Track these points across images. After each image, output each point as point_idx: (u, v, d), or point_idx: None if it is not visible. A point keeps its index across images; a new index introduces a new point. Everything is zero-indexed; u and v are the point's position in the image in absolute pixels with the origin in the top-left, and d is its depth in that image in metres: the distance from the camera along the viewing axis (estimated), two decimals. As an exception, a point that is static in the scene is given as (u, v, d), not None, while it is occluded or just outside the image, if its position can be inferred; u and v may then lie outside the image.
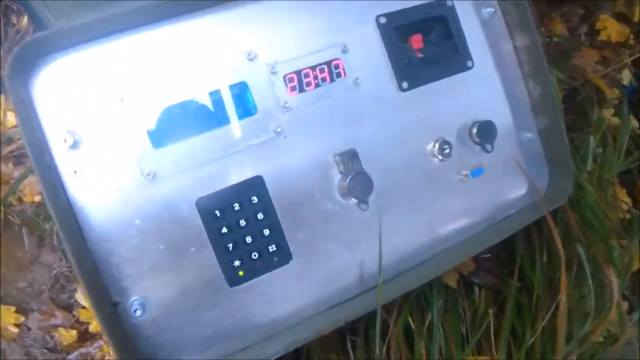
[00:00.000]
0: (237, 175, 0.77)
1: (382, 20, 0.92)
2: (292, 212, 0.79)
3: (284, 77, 0.81)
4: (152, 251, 0.71)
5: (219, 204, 0.75)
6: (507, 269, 1.06)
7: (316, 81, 0.87)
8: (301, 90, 0.83)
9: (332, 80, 0.84)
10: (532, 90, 0.95)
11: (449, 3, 0.90)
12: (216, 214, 0.75)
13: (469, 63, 0.93)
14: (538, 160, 0.97)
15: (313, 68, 0.81)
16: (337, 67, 0.88)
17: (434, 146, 0.89)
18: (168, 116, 0.74)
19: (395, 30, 0.85)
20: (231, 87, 0.83)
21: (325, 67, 0.88)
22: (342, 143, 0.82)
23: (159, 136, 0.73)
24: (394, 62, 0.86)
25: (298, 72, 0.81)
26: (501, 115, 0.95)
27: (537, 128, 0.95)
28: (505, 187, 0.96)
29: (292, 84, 0.86)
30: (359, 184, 0.81)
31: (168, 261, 0.72)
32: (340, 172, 0.83)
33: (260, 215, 0.78)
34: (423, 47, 0.92)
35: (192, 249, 0.74)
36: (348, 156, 0.81)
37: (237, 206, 0.76)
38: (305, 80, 0.86)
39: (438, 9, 0.89)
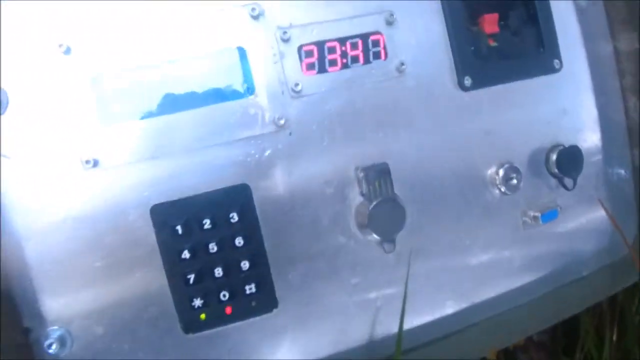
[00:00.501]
0: (213, 179, 0.58)
1: (448, -13, 0.65)
2: (286, 241, 0.61)
3: (300, 48, 0.61)
4: (85, 267, 0.55)
5: (183, 217, 0.56)
6: (566, 345, 0.81)
7: (344, 60, 0.61)
8: (321, 70, 0.61)
9: (366, 61, 0.62)
10: (631, 111, 0.75)
11: (537, -22, 0.63)
12: (177, 230, 0.56)
13: (556, 63, 0.72)
14: (628, 207, 0.77)
15: (342, 41, 0.61)
16: (376, 43, 0.62)
17: (497, 172, 0.68)
18: (128, 83, 0.56)
19: (464, 4, 0.65)
20: (221, 52, 0.57)
21: (360, 41, 0.61)
22: (369, 152, 0.62)
23: (112, 109, 0.56)
24: (456, 47, 0.66)
25: (320, 44, 0.60)
26: (588, 140, 0.74)
27: (632, 163, 0.75)
28: (582, 238, 0.76)
29: (310, 60, 0.60)
30: (386, 214, 0.61)
31: (104, 284, 0.55)
32: (362, 194, 0.63)
33: (239, 241, 0.59)
34: (498, 32, 0.71)
35: (139, 274, 0.56)
36: (376, 173, 0.61)
37: (208, 223, 0.57)
38: (328, 57, 0.60)
39: (522, -16, 0.63)
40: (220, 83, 0.57)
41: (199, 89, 0.57)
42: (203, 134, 0.57)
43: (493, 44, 0.68)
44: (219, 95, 0.57)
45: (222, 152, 0.58)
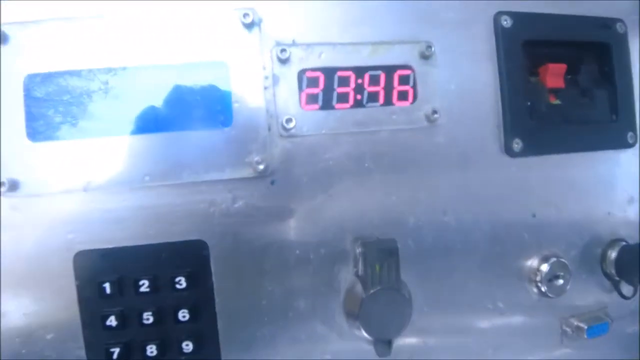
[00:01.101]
0: (161, 229, 0.45)
1: (506, 21, 0.50)
2: (248, 325, 0.47)
3: (301, 73, 0.46)
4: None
5: (114, 272, 0.45)
6: None
7: (358, 96, 0.46)
8: (326, 105, 0.46)
9: (387, 102, 0.47)
10: None
11: (619, 27, 0.56)
12: (104, 289, 0.45)
13: (630, 137, 0.58)
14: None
15: (359, 71, 0.47)
16: (404, 80, 0.46)
17: (539, 267, 0.54)
18: (67, 91, 0.43)
19: (523, 46, 0.51)
20: (194, 65, 0.42)
21: (382, 75, 0.46)
22: (375, 221, 0.48)
23: (44, 122, 0.43)
24: (507, 99, 0.51)
25: (329, 72, 0.46)
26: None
27: None
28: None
29: (313, 91, 0.45)
30: (386, 308, 0.45)
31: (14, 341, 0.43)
32: (357, 275, 0.48)
33: (183, 314, 0.46)
34: (563, 88, 0.57)
35: (49, 335, 0.44)
36: (380, 252, 0.46)
37: (146, 285, 0.45)
38: (338, 90, 0.45)
39: (600, 33, 0.55)
40: (188, 104, 0.42)
41: (159, 108, 0.42)
42: (156, 167, 0.44)
43: (555, 101, 0.52)
44: (183, 120, 0.42)
45: (177, 195, 0.44)
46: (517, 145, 0.50)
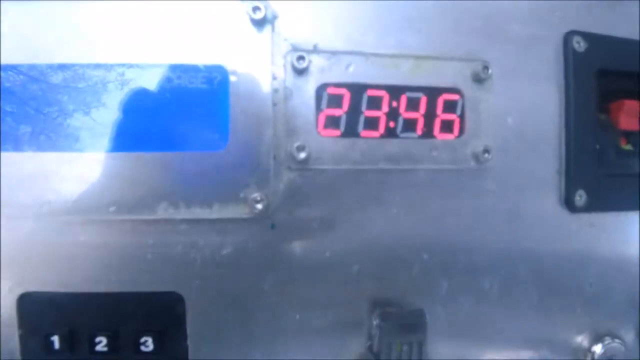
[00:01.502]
0: (129, 275, 0.34)
1: (579, 43, 0.40)
2: None
3: (321, 89, 0.36)
4: None
5: (65, 323, 0.35)
6: None
7: (392, 123, 0.36)
8: (350, 132, 0.36)
9: (427, 133, 0.37)
10: None
11: None
12: (52, 343, 0.35)
13: None
14: None
15: (395, 91, 0.36)
16: (450, 107, 0.36)
17: (591, 347, 0.43)
18: (28, 88, 0.33)
19: (596, 76, 0.41)
20: (185, 69, 0.32)
21: (424, 98, 0.36)
22: (399, 282, 0.38)
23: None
24: (573, 142, 0.41)
25: (357, 89, 0.36)
26: None
27: None
28: None
29: (335, 112, 0.35)
30: None
31: None
32: (371, 351, 0.37)
33: None
34: (638, 132, 0.43)
35: None
36: (402, 328, 0.36)
37: (103, 343, 0.35)
38: (366, 113, 0.35)
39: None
40: (172, 117, 0.32)
41: (133, 120, 0.32)
42: (124, 196, 0.34)
43: (626, 146, 0.41)
44: (165, 138, 0.32)
45: (149, 233, 0.34)
46: (579, 198, 0.40)
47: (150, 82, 0.32)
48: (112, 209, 0.33)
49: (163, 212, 0.33)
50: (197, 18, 0.33)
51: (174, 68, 0.32)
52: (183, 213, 0.33)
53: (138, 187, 0.32)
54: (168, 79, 0.32)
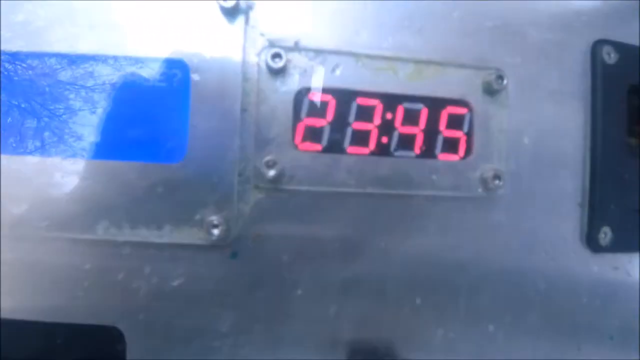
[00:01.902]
0: (58, 303, 0.28)
1: (609, 55, 0.33)
2: None
3: (302, 94, 0.29)
4: None
5: None
6: None
7: (384, 139, 0.30)
8: (333, 147, 0.30)
9: (427, 152, 0.31)
10: None
11: None
12: None
13: None
14: None
15: (390, 100, 0.30)
16: (456, 121, 0.30)
17: None
18: None
19: (627, 92, 0.35)
20: (137, 62, 0.27)
21: (424, 110, 0.30)
22: (384, 330, 0.31)
23: None
24: (599, 170, 0.35)
25: (345, 95, 0.30)
26: None
27: None
28: None
29: (316, 121, 0.29)
30: None
31: None
32: None
33: None
34: None
35: None
36: None
37: None
38: (354, 125, 0.29)
39: None
40: (119, 120, 0.27)
41: (72, 121, 0.26)
42: (59, 211, 0.28)
43: (660, 176, 0.35)
44: (110, 144, 0.27)
45: (87, 256, 0.29)
46: (604, 236, 0.33)
47: (93, 77, 0.26)
48: (44, 224, 0.27)
49: (103, 231, 0.27)
50: (156, 3, 0.27)
51: (123, 61, 0.27)
52: (127, 234, 0.27)
53: (75, 200, 0.27)
54: (115, 74, 0.27)
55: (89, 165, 0.27)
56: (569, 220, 0.33)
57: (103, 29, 0.27)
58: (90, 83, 0.27)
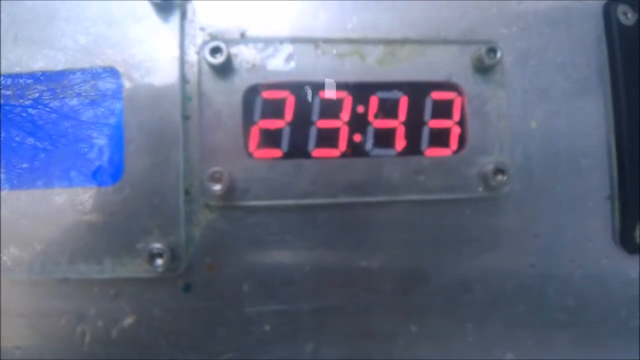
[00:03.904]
0: None
1: (625, 15, 0.27)
2: None
3: (252, 91, 0.23)
4: None
5: None
6: None
7: (357, 137, 0.24)
8: (296, 152, 0.24)
9: (409, 148, 0.24)
10: None
11: None
12: None
13: None
14: None
15: (360, 90, 0.24)
16: (444, 109, 0.24)
17: None
18: None
19: None
20: (63, 75, 0.22)
21: (404, 98, 0.24)
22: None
23: None
24: (629, 155, 0.26)
25: (305, 90, 0.23)
26: None
27: None
28: None
29: (272, 123, 0.23)
30: None
31: None
32: None
33: None
34: None
35: None
36: None
37: None
38: (318, 124, 0.23)
39: None
40: (45, 141, 0.22)
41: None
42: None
43: None
44: (35, 170, 0.22)
45: (21, 296, 0.23)
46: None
47: (8, 96, 0.22)
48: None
49: (39, 268, 0.23)
50: (79, 3, 0.23)
51: (46, 75, 0.22)
52: (65, 270, 0.22)
53: (4, 236, 0.23)
54: (36, 89, 0.22)
55: (14, 195, 0.22)
56: (596, 219, 0.26)
57: (27, 39, 0.23)
58: (12, 102, 0.22)
